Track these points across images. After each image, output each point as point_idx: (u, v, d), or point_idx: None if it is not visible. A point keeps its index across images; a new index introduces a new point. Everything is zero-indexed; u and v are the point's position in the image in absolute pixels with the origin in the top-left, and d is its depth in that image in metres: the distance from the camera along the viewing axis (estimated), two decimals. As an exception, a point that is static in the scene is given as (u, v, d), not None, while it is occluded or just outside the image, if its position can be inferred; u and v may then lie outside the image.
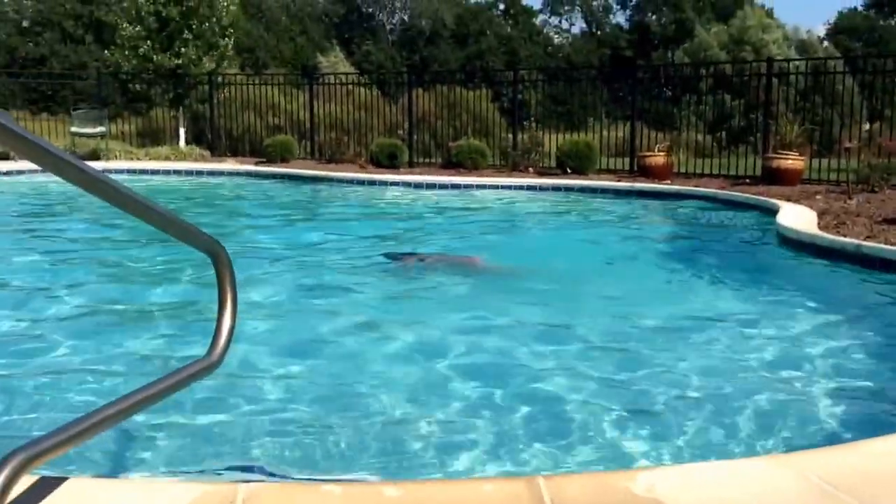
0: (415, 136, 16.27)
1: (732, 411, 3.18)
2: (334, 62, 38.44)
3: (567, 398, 3.32)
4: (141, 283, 5.85)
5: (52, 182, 11.16)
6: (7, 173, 13.29)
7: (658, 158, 12.79)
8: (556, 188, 11.99)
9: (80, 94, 22.81)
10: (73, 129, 16.07)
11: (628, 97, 15.52)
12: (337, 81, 17.84)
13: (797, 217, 7.53)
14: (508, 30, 54.44)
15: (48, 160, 1.41)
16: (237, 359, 3.46)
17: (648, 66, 27.38)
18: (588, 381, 3.53)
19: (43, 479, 1.91)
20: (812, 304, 5.03)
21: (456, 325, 4.51)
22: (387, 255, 6.73)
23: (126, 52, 17.14)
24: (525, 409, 3.19)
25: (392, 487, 2.04)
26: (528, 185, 12.23)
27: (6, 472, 1.36)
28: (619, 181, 12.27)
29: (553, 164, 14.22)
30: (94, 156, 14.96)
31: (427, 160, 16.05)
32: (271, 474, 2.60)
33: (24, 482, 1.66)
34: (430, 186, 12.53)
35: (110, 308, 4.97)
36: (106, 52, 19.76)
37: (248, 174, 14.29)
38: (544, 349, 4.06)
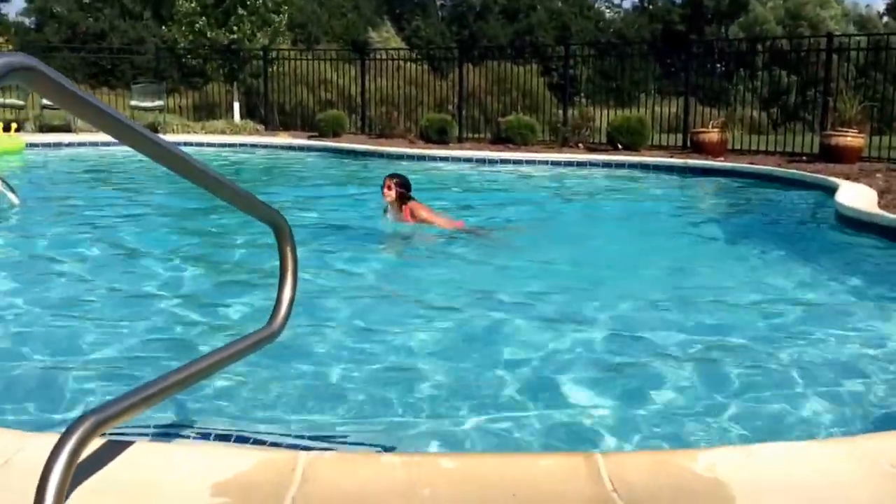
0: (464, 112, 16.22)
1: (805, 392, 3.13)
2: (385, 38, 38.37)
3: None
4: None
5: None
6: (69, 144, 13.62)
7: (712, 135, 12.54)
8: (608, 164, 11.85)
9: (138, 68, 23.20)
10: (133, 102, 16.40)
11: (681, 72, 15.25)
12: (387, 57, 17.87)
13: (857, 196, 7.34)
14: (559, 4, 53.57)
15: (126, 133, 1.44)
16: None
17: (702, 41, 26.74)
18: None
19: (110, 442, 1.96)
20: (874, 286, 4.89)
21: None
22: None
23: (182, 28, 17.42)
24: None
25: (450, 459, 2.05)
26: (578, 161, 12.10)
27: (78, 434, 1.40)
28: (671, 157, 12.08)
29: (603, 139, 14.06)
30: (152, 129, 15.22)
31: (476, 135, 16.01)
32: (331, 443, 2.64)
33: (92, 445, 1.70)
34: (480, 161, 12.49)
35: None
36: (163, 27, 20.10)
37: (301, 148, 14.46)
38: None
